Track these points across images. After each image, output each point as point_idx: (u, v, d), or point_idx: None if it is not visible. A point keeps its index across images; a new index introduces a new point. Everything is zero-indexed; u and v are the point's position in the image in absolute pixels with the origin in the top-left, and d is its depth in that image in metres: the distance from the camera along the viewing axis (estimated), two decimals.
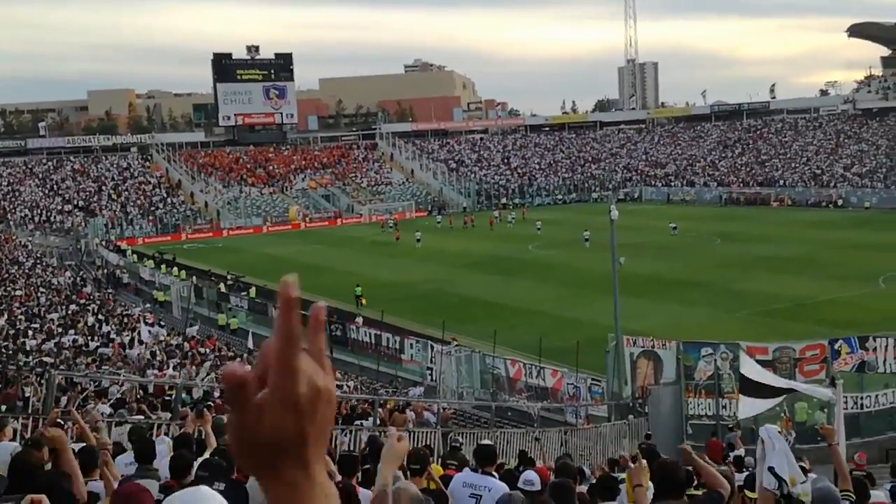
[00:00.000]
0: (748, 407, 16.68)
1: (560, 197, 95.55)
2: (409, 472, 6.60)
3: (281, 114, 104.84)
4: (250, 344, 32.67)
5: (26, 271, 45.53)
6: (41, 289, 39.51)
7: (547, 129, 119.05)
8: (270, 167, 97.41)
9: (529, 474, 7.15)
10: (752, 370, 17.11)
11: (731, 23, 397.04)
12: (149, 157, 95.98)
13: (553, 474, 8.21)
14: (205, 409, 9.06)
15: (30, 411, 14.18)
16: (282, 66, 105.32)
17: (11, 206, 79.97)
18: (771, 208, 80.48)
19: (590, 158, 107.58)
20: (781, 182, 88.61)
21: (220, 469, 5.66)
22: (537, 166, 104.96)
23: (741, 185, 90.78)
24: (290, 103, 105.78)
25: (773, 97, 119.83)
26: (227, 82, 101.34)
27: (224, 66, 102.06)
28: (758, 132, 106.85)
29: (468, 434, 17.08)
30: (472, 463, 8.33)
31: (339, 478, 6.35)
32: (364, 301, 41.06)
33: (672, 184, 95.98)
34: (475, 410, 25.22)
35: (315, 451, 1.09)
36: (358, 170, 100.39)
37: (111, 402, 16.60)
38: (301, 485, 1.07)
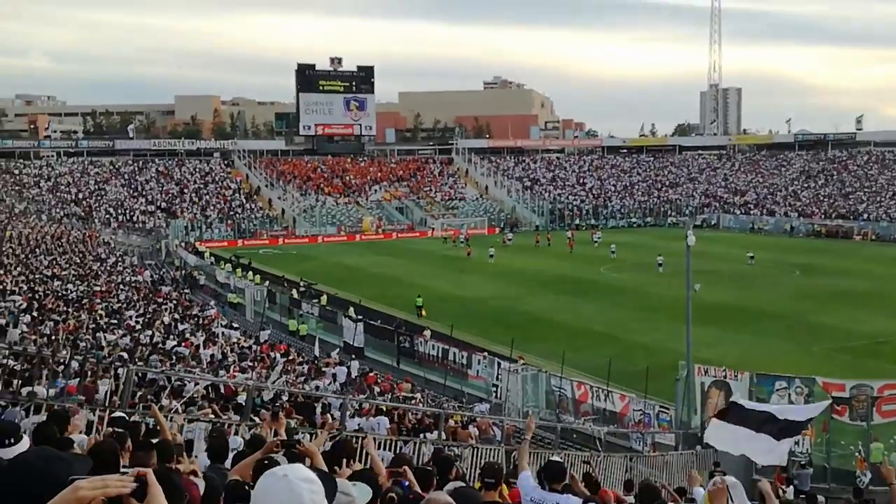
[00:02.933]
0: (723, 437, 15.93)
1: (635, 220, 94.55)
2: (483, 486, 6.62)
3: (360, 125, 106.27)
4: (317, 351, 33.09)
5: (108, 268, 46.93)
6: (121, 286, 40.67)
7: (624, 151, 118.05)
8: (347, 177, 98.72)
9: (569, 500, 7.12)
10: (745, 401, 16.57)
11: (818, 51, 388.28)
12: (230, 163, 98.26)
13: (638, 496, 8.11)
14: (280, 412, 9.23)
15: (106, 405, 14.60)
16: (363, 78, 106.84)
17: (97, 204, 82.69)
18: (853, 242, 78.16)
19: (667, 183, 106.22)
20: (865, 215, 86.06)
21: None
22: (613, 188, 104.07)
23: (823, 216, 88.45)
24: (370, 115, 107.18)
25: (860, 128, 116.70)
26: (309, 92, 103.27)
27: (307, 77, 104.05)
28: (842, 163, 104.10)
29: (532, 454, 16.99)
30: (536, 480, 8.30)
31: (418, 489, 6.40)
32: (424, 312, 41.24)
33: (752, 212, 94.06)
34: (539, 430, 25.03)
35: None
36: (433, 183, 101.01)
37: (184, 400, 16.99)
38: None
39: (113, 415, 10.67)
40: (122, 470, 3.94)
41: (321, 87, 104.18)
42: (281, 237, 79.75)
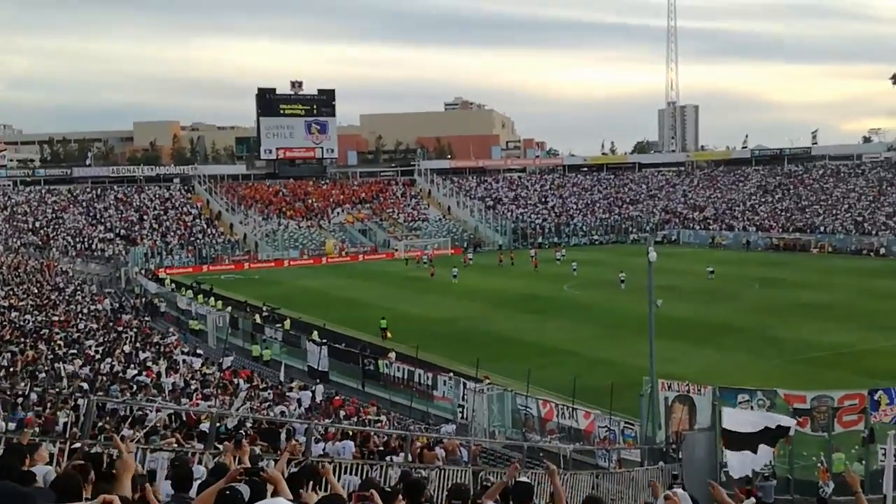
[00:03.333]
0: (740, 464, 16.38)
1: (597, 237, 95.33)
2: None
3: (322, 148, 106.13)
4: (282, 377, 32.82)
5: (66, 297, 46.22)
6: (81, 315, 40.07)
7: (585, 169, 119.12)
8: (309, 201, 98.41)
9: None
10: (733, 422, 16.88)
11: (773, 67, 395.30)
12: (191, 189, 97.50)
13: None
14: (242, 439, 9.14)
15: (66, 436, 14.36)
16: (324, 101, 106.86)
17: (55, 233, 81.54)
18: (811, 255, 79.50)
19: (628, 200, 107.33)
20: (822, 229, 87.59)
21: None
22: (575, 206, 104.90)
23: (781, 230, 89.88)
24: (331, 138, 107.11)
25: (815, 143, 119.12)
26: (269, 116, 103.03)
27: (268, 101, 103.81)
28: (799, 178, 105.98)
29: (499, 473, 16.97)
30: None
31: None
32: (389, 334, 41.16)
33: (711, 227, 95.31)
34: (505, 450, 25.05)
35: None
36: (395, 205, 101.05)
37: (146, 429, 16.75)
38: None
39: (73, 446, 10.49)
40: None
41: (282, 111, 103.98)
42: (245, 262, 79.12)
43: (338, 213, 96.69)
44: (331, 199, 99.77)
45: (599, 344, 38.97)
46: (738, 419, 17.11)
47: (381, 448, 19.82)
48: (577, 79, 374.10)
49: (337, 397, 29.66)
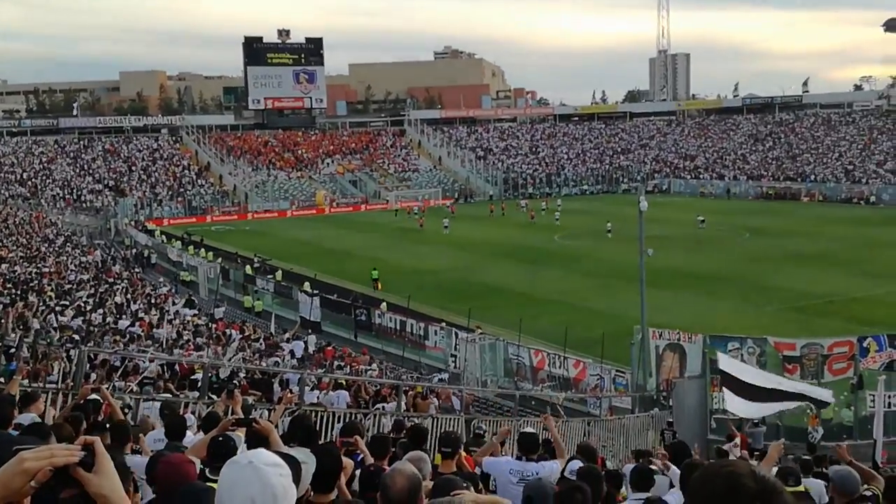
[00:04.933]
0: (740, 406, 16.43)
1: (587, 188, 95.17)
2: (441, 455, 6.62)
3: (310, 98, 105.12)
4: (273, 327, 32.86)
5: (56, 249, 46.00)
6: (71, 267, 39.90)
7: (576, 119, 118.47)
8: (299, 151, 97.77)
9: (575, 464, 7.14)
10: (732, 367, 16.98)
11: (765, 14, 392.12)
12: (179, 139, 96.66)
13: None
14: (235, 389, 9.12)
15: (59, 386, 14.35)
16: (312, 50, 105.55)
17: (43, 185, 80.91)
18: (801, 203, 79.56)
19: (619, 149, 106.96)
20: (813, 177, 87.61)
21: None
22: (566, 156, 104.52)
23: (771, 178, 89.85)
24: (320, 88, 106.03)
25: (807, 91, 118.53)
26: (257, 66, 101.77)
27: (255, 50, 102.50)
28: (790, 126, 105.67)
29: (491, 422, 17.09)
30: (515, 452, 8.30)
31: (371, 460, 6.36)
32: (380, 285, 41.18)
33: (701, 176, 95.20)
34: (498, 399, 25.24)
35: None
36: (385, 156, 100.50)
37: (138, 380, 16.77)
38: None
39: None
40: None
41: (270, 60, 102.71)
42: (247, 213, 78.71)
43: (328, 163, 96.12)
44: (320, 150, 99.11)
45: (591, 294, 39.08)
46: (735, 367, 17.18)
47: (373, 397, 19.92)
48: (568, 27, 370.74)
49: (329, 347, 29.75)
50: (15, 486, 2.14)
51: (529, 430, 7.72)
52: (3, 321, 23.93)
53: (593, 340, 27.43)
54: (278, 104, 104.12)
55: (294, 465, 2.95)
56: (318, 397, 17.92)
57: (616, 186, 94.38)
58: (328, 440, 10.55)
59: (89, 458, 2.17)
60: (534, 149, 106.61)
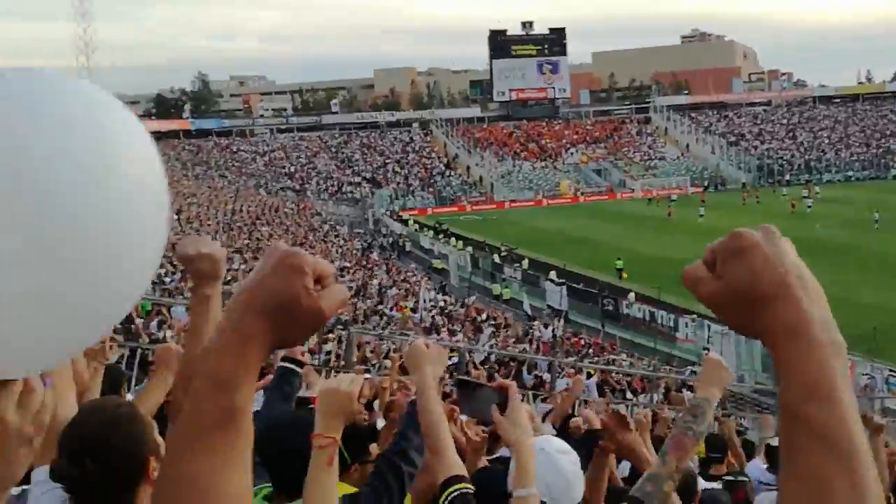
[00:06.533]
0: None
1: (852, 173, 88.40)
2: (710, 461, 6.39)
3: (554, 88, 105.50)
4: (527, 307, 33.22)
5: (321, 237, 49.48)
6: (334, 254, 42.78)
7: (838, 100, 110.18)
8: (542, 142, 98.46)
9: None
10: None
11: None
12: (429, 132, 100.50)
13: None
14: (494, 374, 9.42)
15: (330, 366, 15.49)
16: (555, 41, 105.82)
17: (308, 177, 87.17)
18: None
19: (888, 132, 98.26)
20: None
21: None
22: (827, 140, 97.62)
23: None
24: (563, 78, 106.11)
25: None
26: (502, 58, 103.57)
27: (499, 43, 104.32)
28: None
29: (750, 419, 16.47)
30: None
31: None
32: (625, 275, 40.58)
33: None
34: (755, 395, 24.21)
35: None
36: (630, 144, 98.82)
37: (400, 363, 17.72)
38: None
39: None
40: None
41: (514, 52, 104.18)
42: (497, 203, 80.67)
43: (571, 153, 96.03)
44: (564, 140, 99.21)
45: (858, 287, 36.36)
46: None
47: (624, 388, 19.79)
48: (826, 2, 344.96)
49: (577, 336, 29.87)
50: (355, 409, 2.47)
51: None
52: None
53: (863, 337, 25.54)
54: (522, 95, 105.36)
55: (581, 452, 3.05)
56: (567, 385, 18.08)
57: (885, 172, 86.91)
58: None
59: (505, 401, 2.39)
60: (790, 133, 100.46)
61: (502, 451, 3.97)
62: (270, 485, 2.85)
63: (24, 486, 2.27)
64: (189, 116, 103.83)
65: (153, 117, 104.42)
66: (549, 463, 2.74)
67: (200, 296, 2.35)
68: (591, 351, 26.36)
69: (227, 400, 0.99)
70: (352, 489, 2.99)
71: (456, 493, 2.58)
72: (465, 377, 3.36)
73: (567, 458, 2.81)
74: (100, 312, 0.96)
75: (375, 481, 2.91)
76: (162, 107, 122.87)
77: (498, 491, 2.49)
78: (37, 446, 1.11)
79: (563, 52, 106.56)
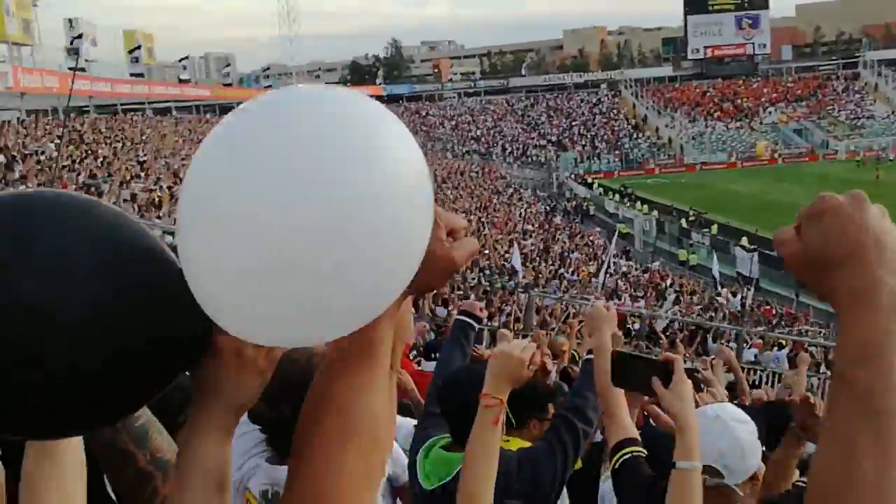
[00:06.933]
0: None
1: None
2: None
3: (752, 44, 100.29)
4: (716, 272, 32.09)
5: (505, 201, 49.86)
6: (517, 217, 43.04)
7: None
8: (739, 101, 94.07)
9: None
10: None
11: None
12: (617, 93, 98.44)
13: None
14: (676, 340, 9.26)
15: (509, 329, 15.73)
16: None
17: (494, 141, 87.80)
18: None
19: None
20: None
21: None
22: None
23: None
24: (764, 33, 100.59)
25: None
26: (697, 14, 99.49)
27: None
28: None
29: None
30: None
31: None
32: None
33: None
34: None
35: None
36: (836, 102, 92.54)
37: (578, 328, 17.68)
38: None
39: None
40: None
41: (710, 7, 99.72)
42: (686, 166, 78.43)
43: (770, 112, 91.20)
44: (762, 98, 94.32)
45: None
46: None
47: (819, 361, 18.83)
48: None
49: (768, 306, 28.64)
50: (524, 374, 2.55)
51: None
52: (464, 268, 26.66)
53: None
54: (718, 52, 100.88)
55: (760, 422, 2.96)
56: (755, 356, 17.44)
57: None
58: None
59: (669, 374, 2.43)
60: None
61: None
62: (449, 436, 3.04)
63: None
64: (382, 82, 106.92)
65: (348, 84, 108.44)
66: (724, 430, 2.73)
67: None
68: (782, 321, 25.21)
69: (370, 329, 1.10)
70: (527, 443, 3.11)
71: (628, 456, 2.63)
72: (622, 350, 3.38)
73: (743, 426, 2.79)
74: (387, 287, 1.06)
75: (551, 437, 3.02)
76: (356, 73, 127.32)
77: (667, 458, 2.51)
78: (266, 380, 1.26)
79: (765, 5, 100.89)
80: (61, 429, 1.17)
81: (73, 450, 1.53)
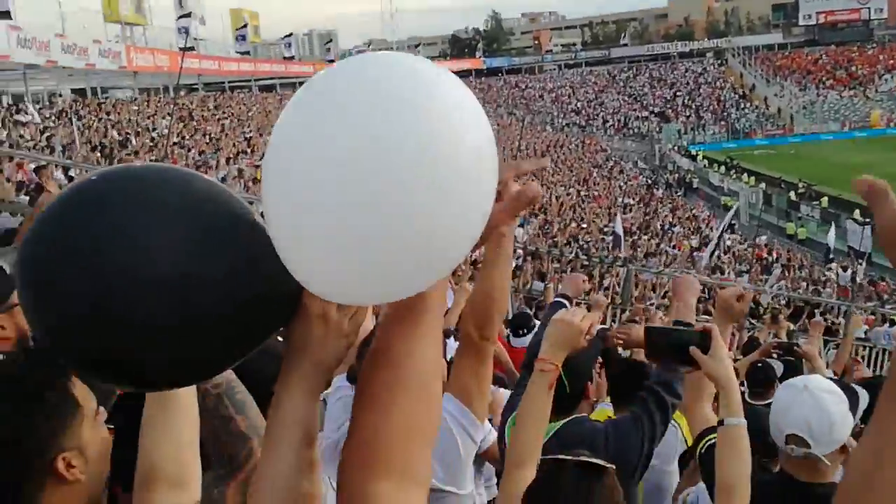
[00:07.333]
0: None
1: None
2: None
3: (868, 9, 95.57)
4: (832, 242, 30.97)
5: (605, 174, 49.22)
6: (618, 191, 42.46)
7: None
8: (853, 68, 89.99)
9: None
10: None
11: None
12: (724, 62, 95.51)
13: None
14: (779, 315, 9.09)
15: (610, 302, 15.63)
16: None
17: (594, 113, 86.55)
18: None
19: None
20: None
21: None
22: None
23: None
24: None
25: None
26: None
27: None
28: None
29: None
30: None
31: None
32: None
33: None
34: None
35: None
36: None
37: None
38: None
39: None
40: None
41: None
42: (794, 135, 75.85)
43: (886, 80, 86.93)
44: (878, 66, 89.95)
45: None
46: None
47: None
48: None
49: (881, 281, 27.57)
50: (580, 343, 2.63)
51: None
52: (556, 239, 26.54)
53: None
54: (831, 18, 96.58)
55: (853, 396, 2.93)
56: (864, 332, 16.87)
57: None
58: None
59: (707, 343, 2.48)
60: None
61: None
62: None
63: (325, 391, 2.72)
64: (482, 55, 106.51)
65: (448, 57, 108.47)
66: (811, 401, 2.73)
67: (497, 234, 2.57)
68: (894, 296, 24.25)
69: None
70: (612, 415, 3.18)
71: (713, 442, 2.67)
72: (654, 325, 3.44)
73: (831, 397, 2.78)
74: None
75: (638, 409, 3.09)
76: (456, 47, 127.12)
77: (762, 438, 2.54)
78: (351, 342, 1.35)
79: None
80: (184, 378, 1.34)
81: (186, 396, 1.75)
